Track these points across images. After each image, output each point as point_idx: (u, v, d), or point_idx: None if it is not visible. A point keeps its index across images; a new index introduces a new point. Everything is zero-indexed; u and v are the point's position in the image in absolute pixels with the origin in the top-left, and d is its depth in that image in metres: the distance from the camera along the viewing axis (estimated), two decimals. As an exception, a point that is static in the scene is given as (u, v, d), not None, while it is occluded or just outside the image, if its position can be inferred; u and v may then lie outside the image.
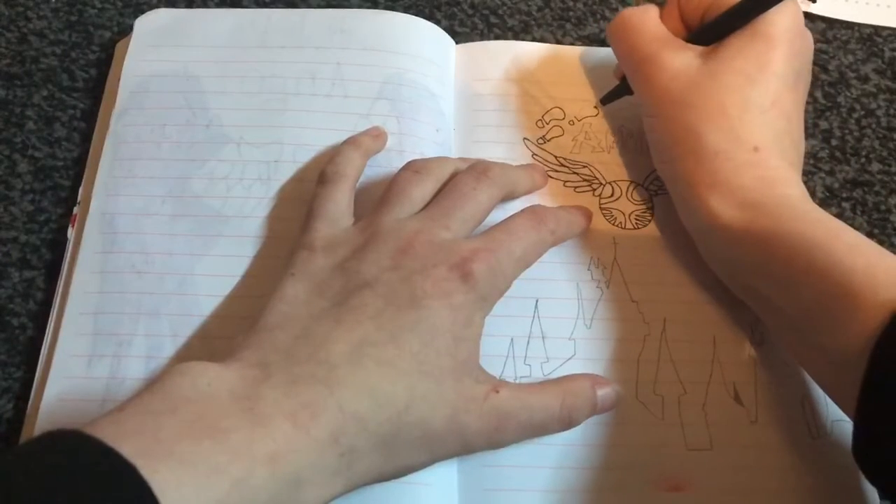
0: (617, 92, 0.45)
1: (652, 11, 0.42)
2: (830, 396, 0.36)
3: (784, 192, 0.36)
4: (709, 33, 0.40)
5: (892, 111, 0.48)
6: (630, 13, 0.42)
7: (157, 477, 0.25)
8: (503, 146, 0.45)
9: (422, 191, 0.38)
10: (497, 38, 0.50)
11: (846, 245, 0.33)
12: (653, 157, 0.41)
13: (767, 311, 0.37)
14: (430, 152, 0.43)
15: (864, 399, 0.30)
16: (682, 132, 0.38)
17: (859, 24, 0.51)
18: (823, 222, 0.34)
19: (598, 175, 0.44)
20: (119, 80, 0.45)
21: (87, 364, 0.38)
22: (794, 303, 0.34)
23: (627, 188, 0.44)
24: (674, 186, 0.40)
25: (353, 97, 0.45)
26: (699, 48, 0.40)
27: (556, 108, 0.46)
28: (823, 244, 0.33)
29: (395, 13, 0.48)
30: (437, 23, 0.49)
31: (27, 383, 0.38)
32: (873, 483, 0.34)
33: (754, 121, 0.37)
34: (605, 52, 0.48)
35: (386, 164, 0.43)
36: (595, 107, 0.46)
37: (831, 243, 0.33)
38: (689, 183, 0.38)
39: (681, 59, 0.39)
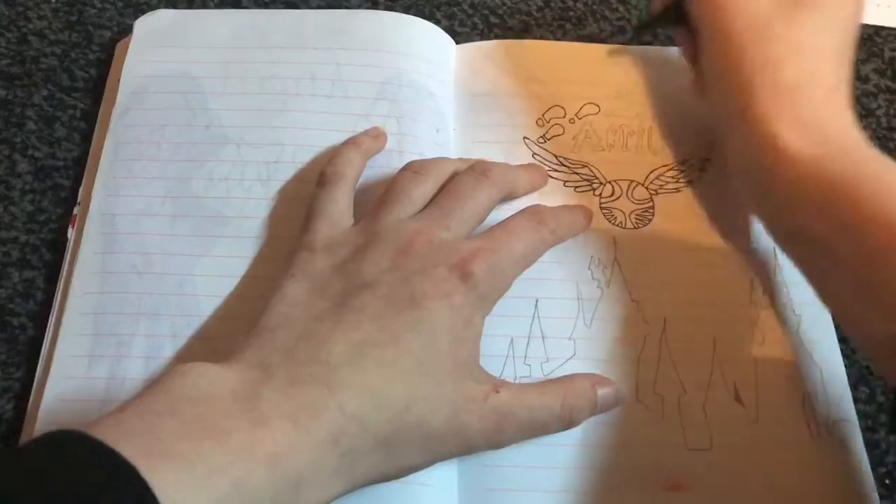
0: (656, 21, 0.44)
1: None
2: (874, 358, 0.35)
3: (856, 135, 0.36)
4: None
5: (892, 111, 0.48)
6: None
7: (157, 477, 0.25)
8: (503, 146, 0.45)
9: (422, 191, 0.38)
10: (497, 38, 0.50)
11: None
12: (711, 91, 0.40)
13: (819, 258, 0.35)
14: (430, 152, 0.43)
15: None
16: (759, 65, 0.37)
17: (860, 25, 0.51)
18: (893, 169, 0.34)
19: (598, 174, 0.44)
20: (119, 80, 0.45)
21: (87, 364, 0.38)
22: (854, 249, 0.33)
23: (628, 188, 0.44)
24: (738, 121, 0.38)
25: (353, 98, 0.45)
26: None
27: (557, 106, 0.46)
28: (893, 191, 0.33)
29: (395, 13, 0.48)
30: (437, 23, 0.49)
31: (27, 383, 0.38)
32: None
33: (831, 64, 0.37)
34: (605, 50, 0.48)
35: (386, 164, 0.43)
36: (596, 105, 0.46)
37: None
38: (760, 118, 0.37)
39: None
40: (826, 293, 0.36)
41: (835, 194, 0.34)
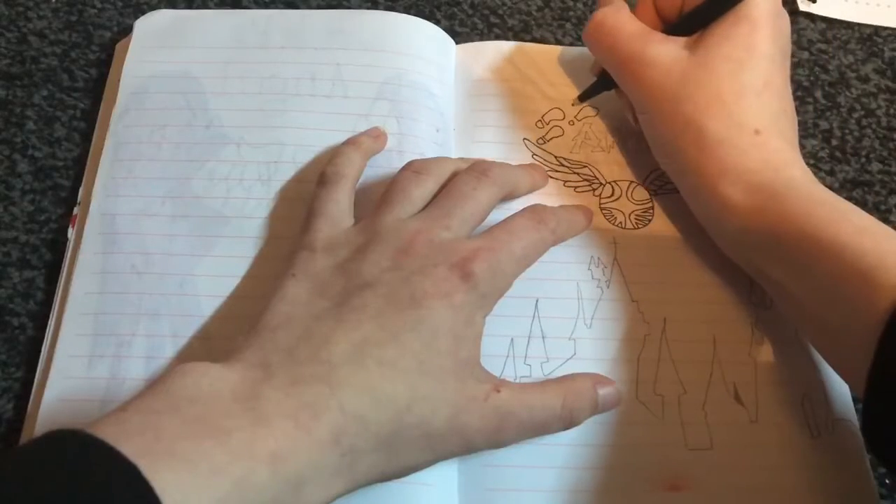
0: (595, 88, 0.45)
1: (625, 9, 0.42)
2: (842, 377, 0.36)
3: (790, 175, 0.37)
4: (690, 23, 0.40)
5: (892, 111, 0.48)
6: (603, 15, 0.42)
7: (158, 477, 0.25)
8: (503, 146, 0.45)
9: (422, 191, 0.38)
10: (497, 38, 0.50)
11: (855, 227, 0.33)
12: (654, 152, 0.42)
13: (781, 293, 0.37)
14: (430, 152, 0.43)
15: (873, 378, 0.31)
16: (682, 125, 0.38)
17: (859, 24, 0.51)
18: (831, 204, 0.35)
19: (598, 175, 0.44)
20: (119, 80, 0.45)
21: (87, 364, 0.38)
22: (805, 285, 0.34)
23: (627, 188, 0.44)
24: (681, 179, 0.40)
25: (353, 98, 0.45)
26: (682, 39, 0.40)
27: (556, 108, 0.46)
28: (832, 226, 0.33)
29: (395, 13, 0.48)
30: (437, 23, 0.49)
31: (27, 383, 0.38)
32: (882, 462, 0.34)
33: (751, 105, 0.38)
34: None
35: (386, 164, 0.43)
36: (595, 107, 0.46)
37: (840, 225, 0.33)
38: (696, 174, 0.38)
39: (667, 53, 0.39)
40: (793, 320, 0.38)
41: (778, 238, 0.35)
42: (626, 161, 0.44)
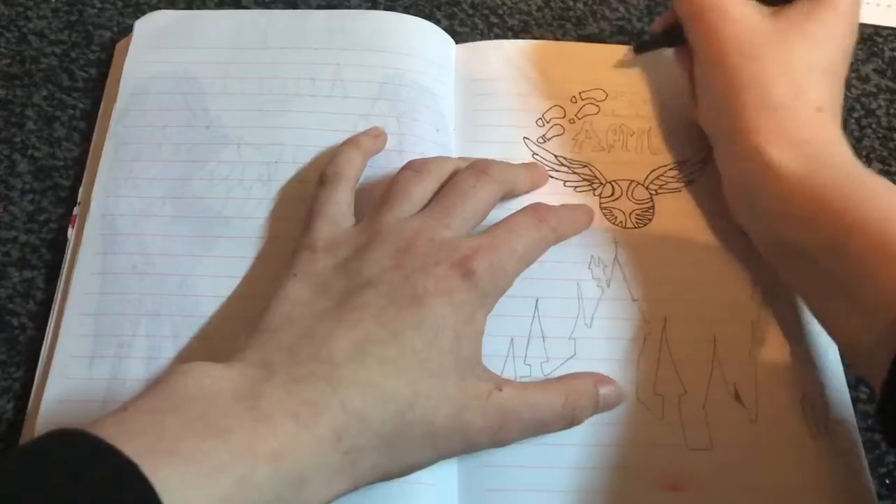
0: (654, 42, 0.45)
1: None
2: (857, 361, 0.36)
3: (841, 151, 0.37)
4: None
5: (892, 111, 0.48)
6: None
7: (159, 475, 0.25)
8: (503, 146, 0.45)
9: (422, 190, 0.38)
10: (497, 38, 0.50)
11: None
12: (702, 107, 0.42)
13: (803, 268, 0.37)
14: (430, 152, 0.43)
15: None
16: (747, 82, 0.39)
17: (859, 24, 0.51)
18: (878, 183, 0.35)
19: (598, 174, 0.44)
20: (119, 80, 0.45)
21: (87, 365, 0.38)
22: (838, 257, 0.34)
23: (628, 187, 0.44)
24: (727, 137, 0.40)
25: (353, 98, 0.45)
26: (766, 8, 0.41)
27: (557, 106, 0.46)
28: (876, 200, 0.34)
29: (395, 13, 0.48)
30: (437, 23, 0.49)
31: (27, 383, 0.38)
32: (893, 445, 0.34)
33: (818, 83, 0.39)
34: (606, 50, 0.48)
35: (386, 164, 0.43)
36: (596, 105, 0.46)
37: (885, 202, 0.34)
38: (747, 134, 0.38)
39: (750, 13, 0.40)
40: (810, 299, 0.38)
41: (820, 209, 0.35)
42: (627, 160, 0.44)
